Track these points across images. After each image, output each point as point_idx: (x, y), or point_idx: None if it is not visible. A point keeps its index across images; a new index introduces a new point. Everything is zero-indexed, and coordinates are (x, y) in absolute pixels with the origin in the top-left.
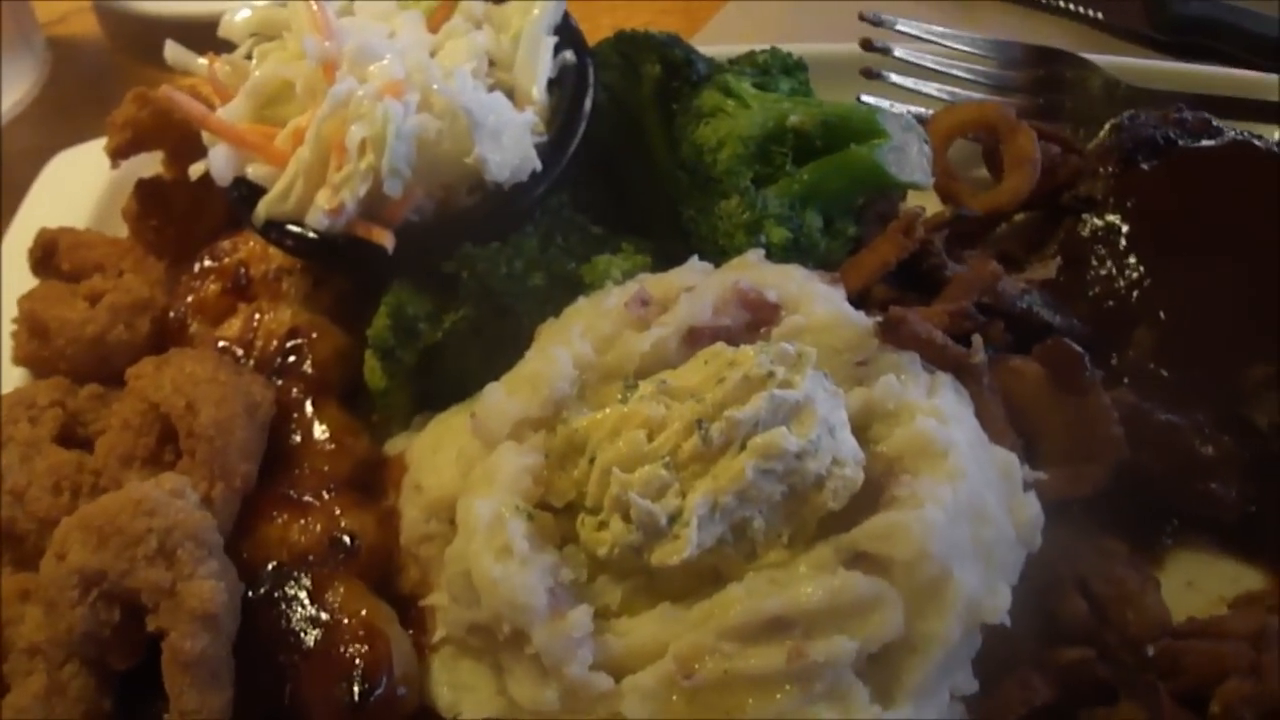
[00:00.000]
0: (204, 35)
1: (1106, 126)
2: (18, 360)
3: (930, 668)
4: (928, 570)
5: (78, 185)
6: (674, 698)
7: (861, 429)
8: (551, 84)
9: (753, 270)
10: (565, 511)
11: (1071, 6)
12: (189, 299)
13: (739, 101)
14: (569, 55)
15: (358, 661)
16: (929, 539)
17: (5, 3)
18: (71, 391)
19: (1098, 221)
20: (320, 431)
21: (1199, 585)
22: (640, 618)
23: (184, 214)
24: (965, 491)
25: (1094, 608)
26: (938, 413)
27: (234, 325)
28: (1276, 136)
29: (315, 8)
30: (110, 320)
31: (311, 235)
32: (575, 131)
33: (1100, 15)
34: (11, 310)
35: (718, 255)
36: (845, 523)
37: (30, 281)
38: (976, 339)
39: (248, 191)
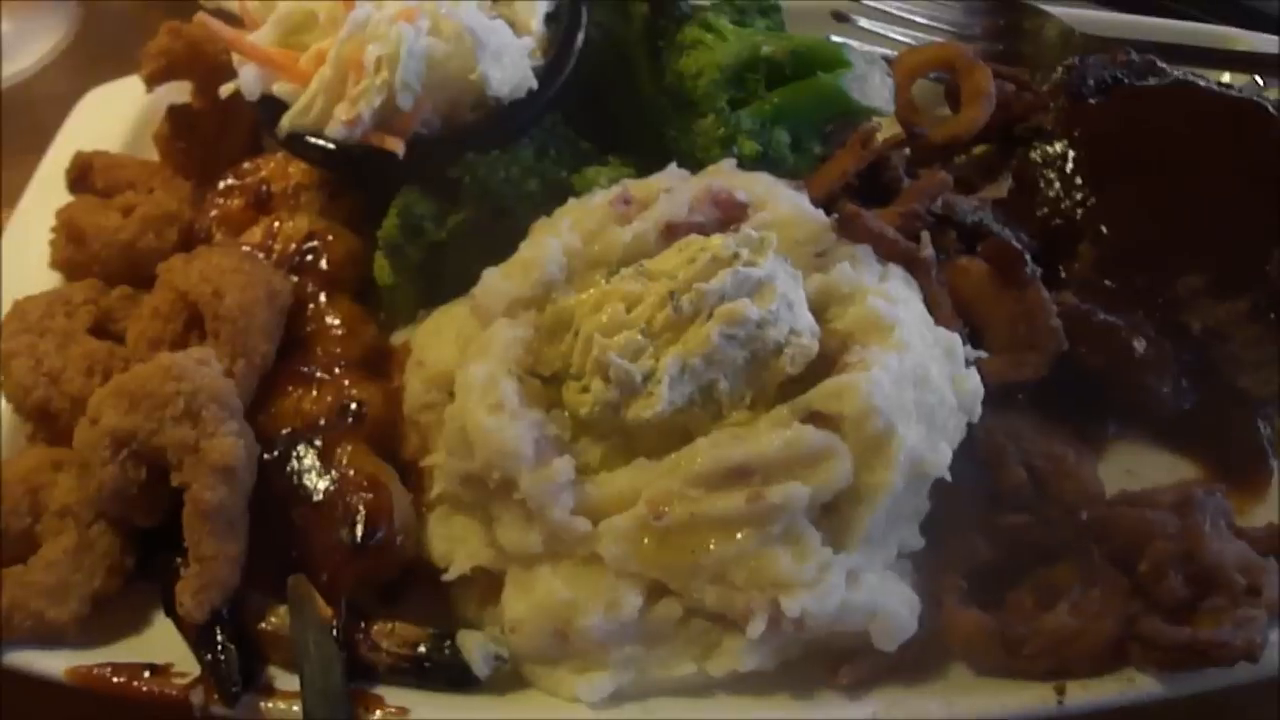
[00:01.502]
0: None
1: (1060, 68)
2: (55, 264)
3: (877, 516)
4: (873, 425)
5: (110, 117)
6: (645, 539)
7: (819, 310)
8: (549, 18)
9: (725, 175)
10: (552, 381)
11: None
12: (214, 213)
13: (717, 35)
14: None
15: (361, 509)
16: (874, 397)
17: None
18: (104, 292)
19: (1047, 149)
20: (333, 319)
21: (1137, 473)
22: (617, 471)
23: (210, 138)
24: (910, 361)
25: (1033, 479)
26: (887, 295)
27: (255, 233)
28: (1224, 78)
29: None
30: (141, 229)
31: (330, 145)
32: (569, 58)
33: None
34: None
35: (695, 168)
36: (802, 388)
37: (62, 203)
38: (925, 235)
39: (273, 108)
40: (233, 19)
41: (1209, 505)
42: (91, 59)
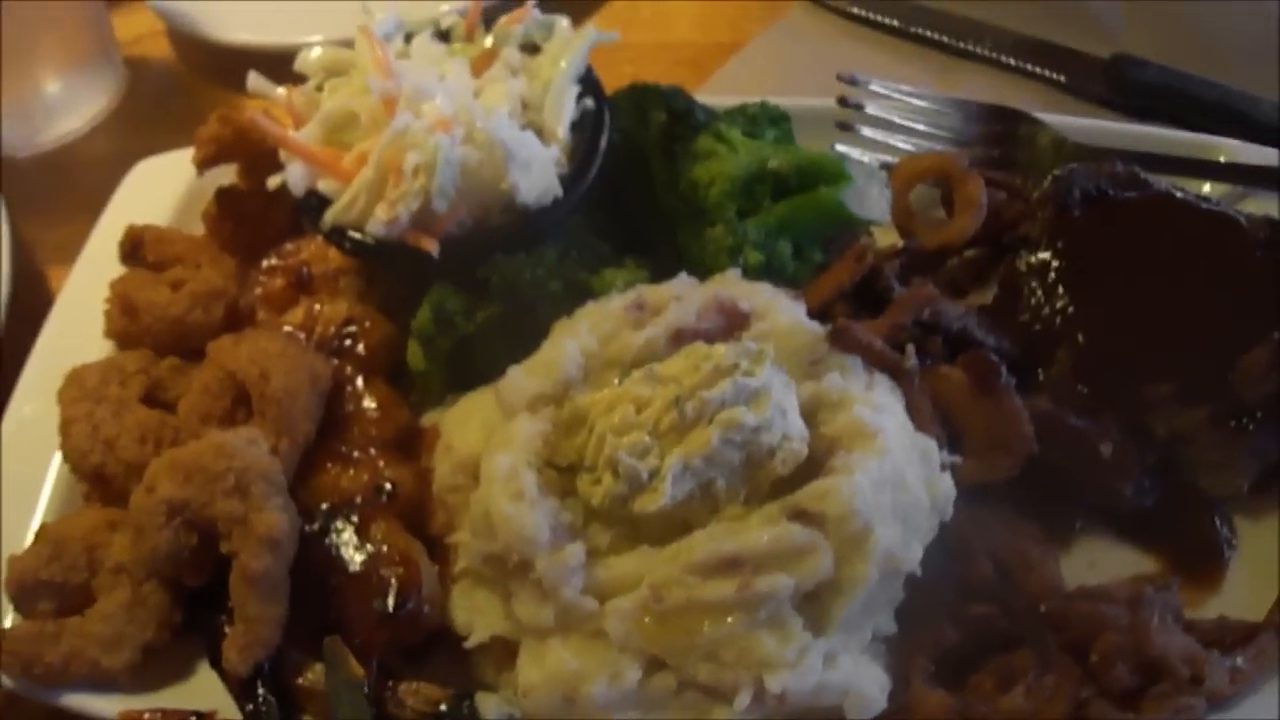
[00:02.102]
0: (266, 61)
1: (1048, 178)
2: (109, 334)
3: (854, 605)
4: (853, 525)
5: (159, 189)
6: (646, 619)
7: (809, 415)
8: (574, 125)
9: (730, 285)
10: (567, 471)
11: (1038, 70)
12: (258, 291)
13: (729, 146)
14: (589, 102)
15: (393, 581)
16: (855, 499)
17: (89, 21)
18: (155, 362)
19: (1031, 258)
20: (368, 401)
21: (1100, 567)
22: (623, 556)
23: (255, 219)
24: (889, 466)
25: (999, 572)
26: (872, 403)
27: (297, 314)
28: (1205, 189)
29: (379, 51)
30: (190, 304)
31: (369, 241)
32: (592, 166)
33: (1063, 78)
34: (93, 293)
35: (704, 273)
36: (791, 486)
37: (116, 272)
38: (909, 348)
39: (317, 202)
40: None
41: (1158, 602)
42: (139, 120)
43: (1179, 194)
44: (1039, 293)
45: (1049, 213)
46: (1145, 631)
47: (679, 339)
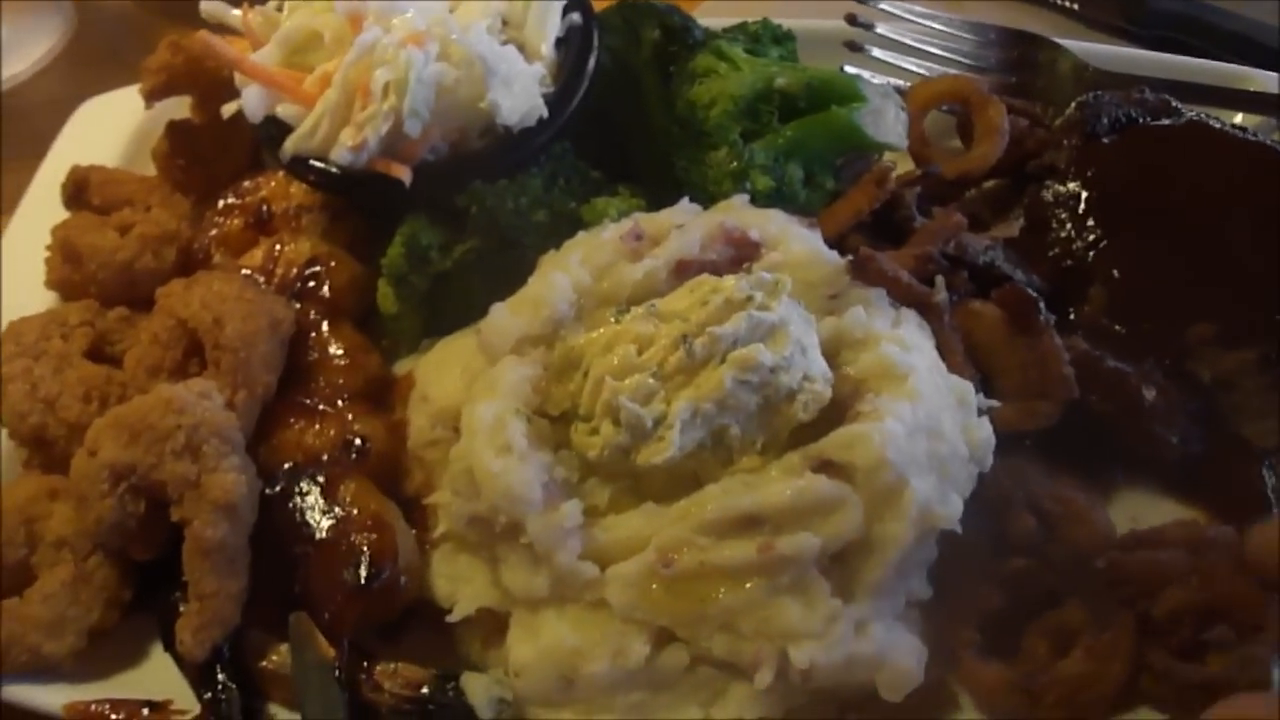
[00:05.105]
0: None
1: (1073, 104)
2: (50, 284)
3: (887, 568)
4: (885, 477)
5: (106, 129)
6: (653, 586)
7: (831, 354)
8: (559, 43)
9: (738, 212)
10: (560, 421)
11: None
12: (213, 232)
13: (731, 64)
14: (575, 18)
15: (365, 549)
16: (887, 448)
17: None
18: (100, 313)
19: (1059, 188)
20: (335, 348)
21: (1142, 520)
22: (625, 515)
23: (210, 155)
24: (923, 411)
25: (1042, 525)
26: (900, 341)
27: (255, 256)
28: (1237, 119)
29: None
30: (139, 249)
31: (334, 170)
32: (579, 86)
33: (1076, 6)
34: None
35: (707, 201)
36: (814, 434)
37: (60, 218)
38: (939, 280)
39: (276, 130)
40: (231, 29)
41: (1220, 542)
42: (88, 62)
43: (1215, 123)
44: (1069, 225)
45: (1076, 140)
46: (1213, 582)
47: (682, 271)
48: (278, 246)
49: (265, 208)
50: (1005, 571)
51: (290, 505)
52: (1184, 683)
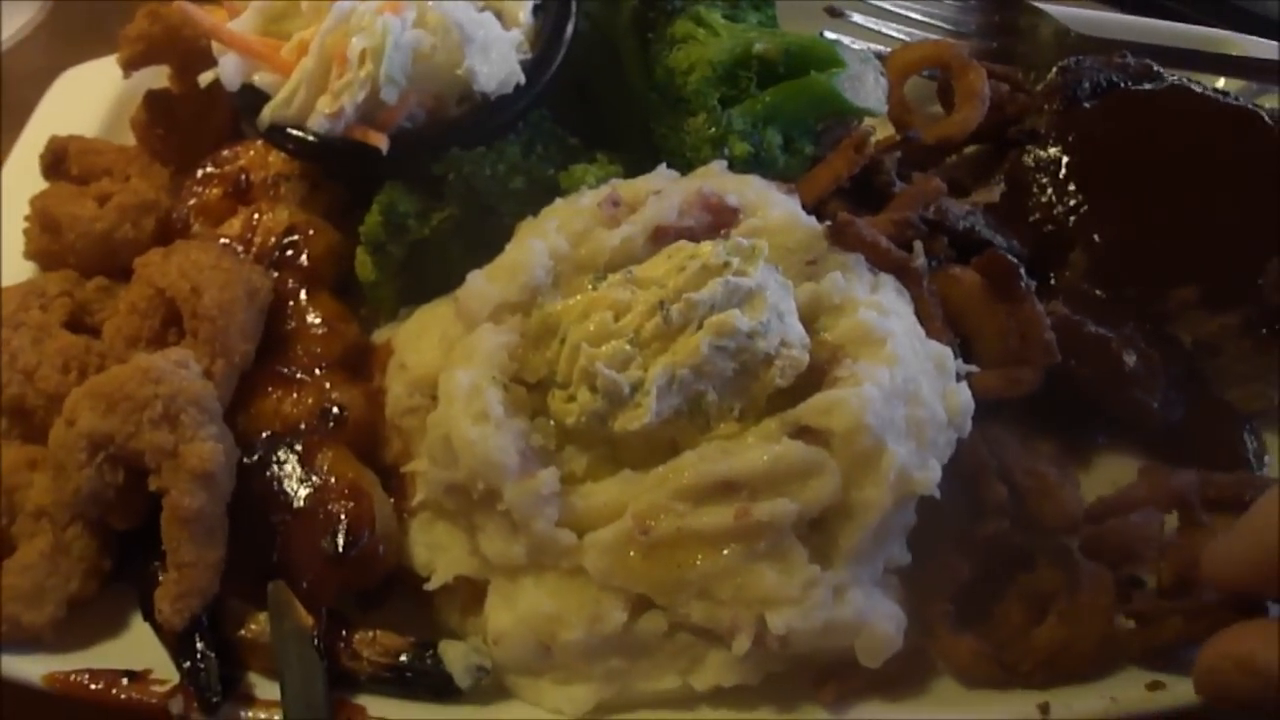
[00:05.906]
0: None
1: (1054, 69)
2: (29, 254)
3: (865, 534)
4: (863, 441)
5: (85, 99)
6: (631, 552)
7: (809, 320)
8: (537, 9)
9: (716, 178)
10: (537, 388)
11: None
12: (192, 202)
13: (709, 30)
14: None
15: (343, 517)
16: (865, 413)
17: None
18: (79, 284)
19: (1040, 153)
20: (313, 317)
21: (1122, 486)
22: (603, 482)
23: (188, 124)
24: (901, 376)
25: (1013, 495)
26: (878, 306)
27: (234, 225)
28: (1219, 84)
29: None
30: (118, 218)
31: (311, 138)
32: (557, 52)
33: None
34: (13, 211)
35: (685, 168)
36: (791, 400)
37: (39, 189)
38: (917, 245)
39: (254, 98)
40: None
41: (1194, 492)
42: (68, 34)
43: (1197, 87)
44: (1050, 190)
45: (1058, 105)
46: (1198, 545)
47: (659, 238)
48: (256, 215)
49: (244, 177)
50: (978, 536)
51: (268, 474)
52: (1173, 615)
